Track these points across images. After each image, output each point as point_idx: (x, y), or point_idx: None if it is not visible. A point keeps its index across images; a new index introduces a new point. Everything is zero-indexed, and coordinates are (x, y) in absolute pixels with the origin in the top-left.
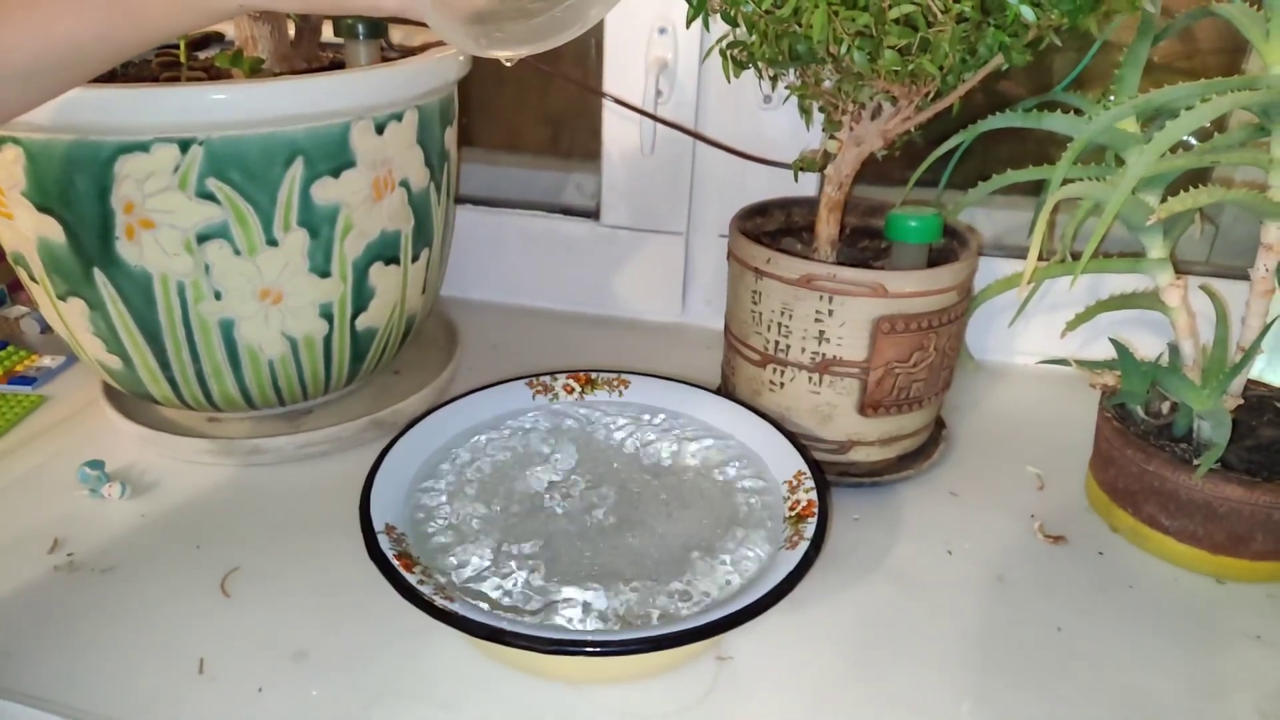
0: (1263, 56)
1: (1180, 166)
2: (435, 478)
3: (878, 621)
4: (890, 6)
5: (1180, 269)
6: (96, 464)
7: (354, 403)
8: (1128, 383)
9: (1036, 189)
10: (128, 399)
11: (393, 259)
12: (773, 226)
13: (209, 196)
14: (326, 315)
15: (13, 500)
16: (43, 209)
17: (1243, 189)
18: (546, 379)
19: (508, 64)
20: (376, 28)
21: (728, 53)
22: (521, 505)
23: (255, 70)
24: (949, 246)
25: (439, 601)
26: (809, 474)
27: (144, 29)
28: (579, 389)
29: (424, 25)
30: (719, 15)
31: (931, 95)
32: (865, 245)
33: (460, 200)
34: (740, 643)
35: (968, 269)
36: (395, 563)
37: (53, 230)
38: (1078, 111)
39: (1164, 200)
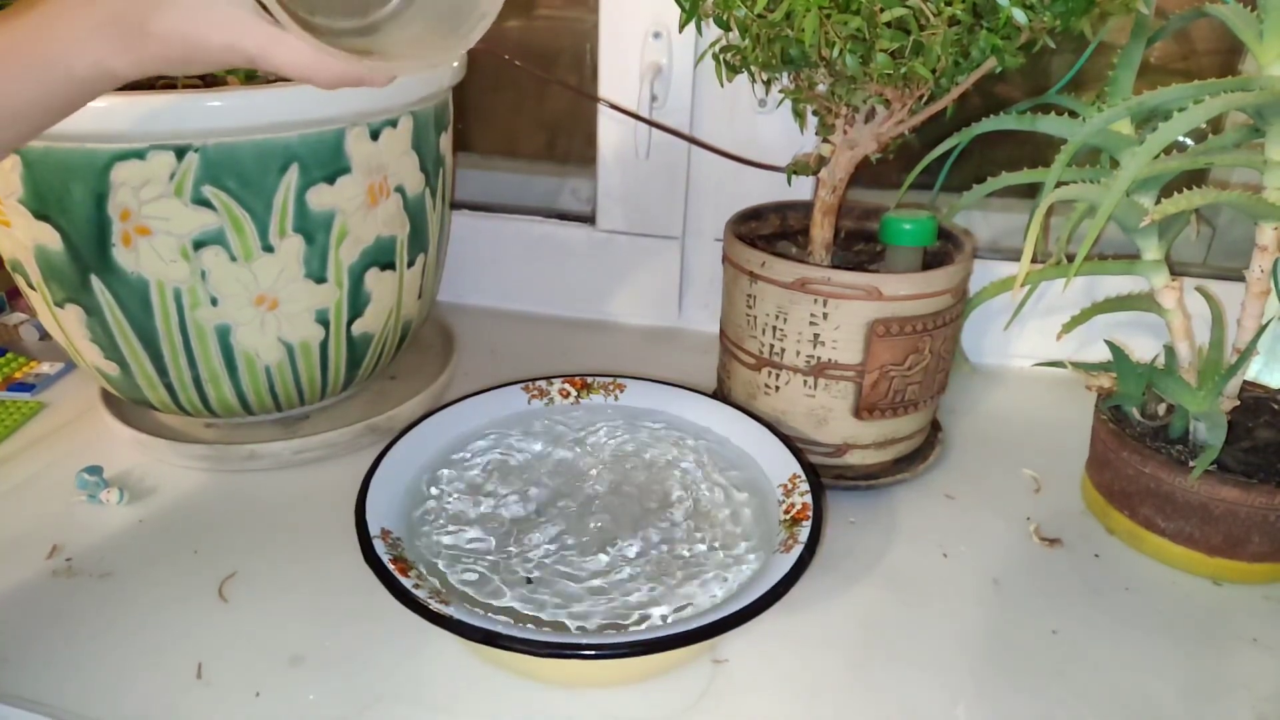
0: (1257, 57)
1: (1174, 168)
2: (431, 483)
3: (873, 624)
4: (882, 10)
5: (1177, 271)
6: (95, 470)
7: (350, 408)
8: (1123, 385)
9: (1032, 192)
10: (125, 405)
11: (388, 264)
12: (768, 230)
13: (205, 203)
14: (323, 321)
15: (11, 506)
16: (40, 216)
17: (1237, 190)
18: (542, 383)
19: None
20: None
21: (721, 57)
22: (517, 509)
23: (250, 77)
24: (944, 249)
25: (434, 605)
26: (804, 477)
27: (16, 116)
28: (575, 393)
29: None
30: (712, 20)
31: (925, 98)
32: (860, 249)
33: (456, 205)
34: (736, 646)
35: (963, 272)
36: (391, 567)
37: (50, 237)
38: (1072, 114)
39: (1159, 202)
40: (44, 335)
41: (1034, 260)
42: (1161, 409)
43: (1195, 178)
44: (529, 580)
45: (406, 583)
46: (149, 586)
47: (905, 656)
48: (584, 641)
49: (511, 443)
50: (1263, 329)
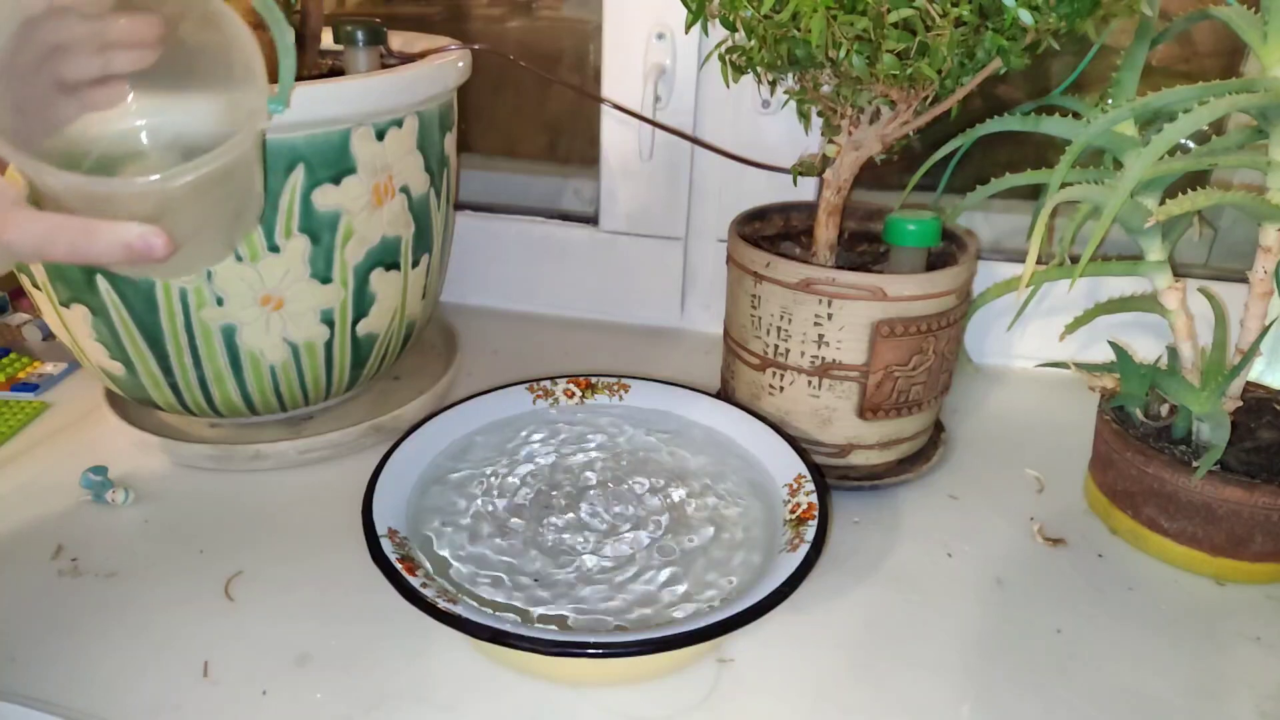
0: (1260, 59)
1: (1178, 169)
2: (435, 482)
3: (878, 624)
4: (888, 11)
5: (1179, 272)
6: (99, 470)
7: (355, 408)
8: (1127, 385)
9: (1035, 193)
10: (130, 405)
11: (393, 265)
12: (771, 231)
13: None
14: (328, 321)
15: (16, 506)
16: None
17: (1240, 191)
18: (546, 384)
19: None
20: (376, 35)
21: (726, 58)
22: (522, 508)
23: None
24: (948, 250)
25: (442, 604)
26: (809, 477)
27: None
28: (579, 393)
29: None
30: (718, 20)
31: (930, 99)
32: (864, 249)
33: (460, 206)
34: (741, 645)
35: (966, 272)
36: (398, 566)
37: None
38: (1076, 115)
39: (1162, 203)
40: (48, 335)
41: (1038, 261)
42: (1164, 409)
43: (1198, 179)
44: (535, 579)
45: (414, 582)
46: (155, 586)
47: (909, 655)
48: (590, 640)
49: (516, 443)
50: (1266, 330)
